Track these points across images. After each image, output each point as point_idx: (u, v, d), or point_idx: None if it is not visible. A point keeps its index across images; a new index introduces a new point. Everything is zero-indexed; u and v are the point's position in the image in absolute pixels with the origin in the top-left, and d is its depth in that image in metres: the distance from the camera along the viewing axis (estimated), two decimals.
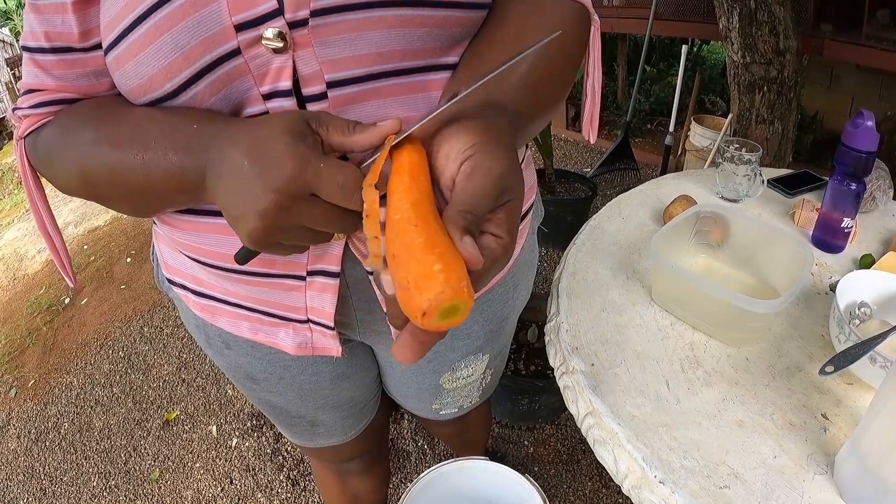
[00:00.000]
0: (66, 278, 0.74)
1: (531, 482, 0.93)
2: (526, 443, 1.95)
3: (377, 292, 0.70)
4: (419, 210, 0.39)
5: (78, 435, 2.39)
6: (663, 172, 3.04)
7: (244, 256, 0.54)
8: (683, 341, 0.85)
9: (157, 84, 0.53)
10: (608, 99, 4.88)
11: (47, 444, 2.40)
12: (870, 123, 0.95)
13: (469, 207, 0.40)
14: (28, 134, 0.63)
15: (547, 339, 0.92)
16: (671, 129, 3.02)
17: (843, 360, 0.70)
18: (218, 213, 0.61)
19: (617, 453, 0.70)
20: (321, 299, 0.68)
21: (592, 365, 0.81)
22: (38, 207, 0.68)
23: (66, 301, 3.58)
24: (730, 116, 2.51)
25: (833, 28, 2.72)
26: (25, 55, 0.60)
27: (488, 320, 0.86)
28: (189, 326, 0.84)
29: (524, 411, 1.93)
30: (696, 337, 0.86)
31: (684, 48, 2.84)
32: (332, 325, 0.70)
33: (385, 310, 0.42)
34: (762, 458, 0.68)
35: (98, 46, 0.57)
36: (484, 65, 0.54)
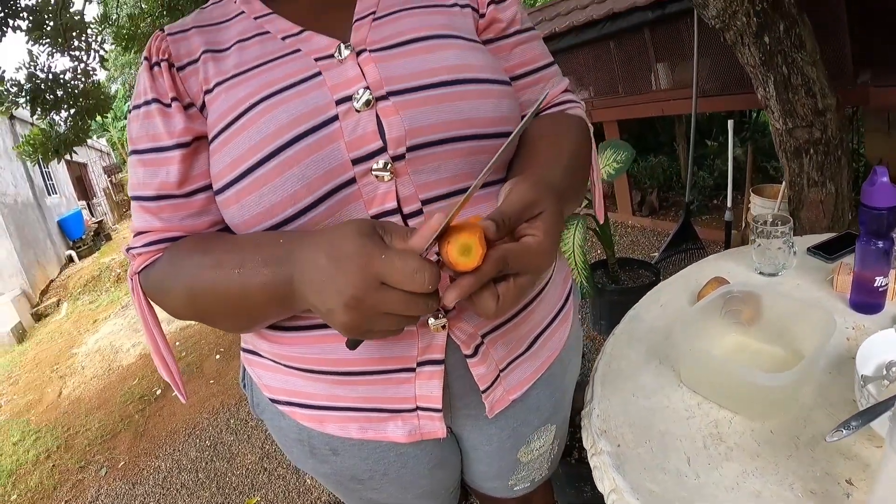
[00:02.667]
0: (179, 395, 0.86)
1: None
2: None
3: (473, 372, 0.80)
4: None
5: None
6: (727, 248, 3.02)
7: (354, 343, 0.64)
8: (709, 419, 0.87)
9: (278, 211, 0.67)
10: (672, 179, 4.90)
11: None
12: (885, 179, 0.95)
13: (498, 209, 0.56)
14: (141, 270, 0.77)
15: (582, 424, 0.96)
16: (729, 204, 3.03)
17: (853, 424, 0.70)
18: (323, 325, 0.74)
19: None
20: (429, 386, 0.77)
21: (618, 446, 0.84)
22: (154, 334, 0.81)
23: (158, 392, 3.82)
24: (783, 184, 2.51)
25: (877, 74, 2.67)
26: (134, 203, 0.76)
27: (552, 392, 0.94)
28: (288, 443, 0.90)
29: (588, 498, 1.91)
30: (722, 414, 0.87)
31: (730, 123, 2.87)
32: (440, 407, 0.78)
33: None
34: None
35: (197, 192, 0.74)
36: (537, 158, 0.75)
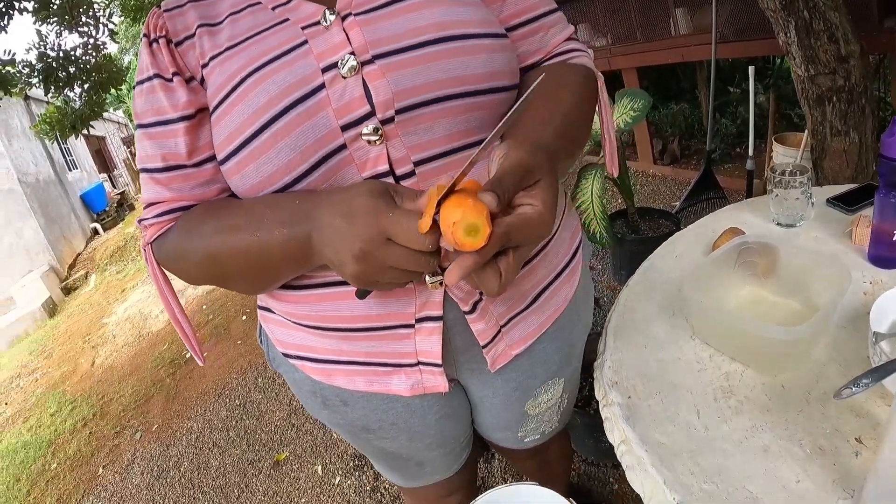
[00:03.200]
0: (196, 358, 0.90)
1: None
2: (611, 479, 1.96)
3: (472, 328, 0.82)
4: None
5: (196, 473, 2.63)
6: (748, 197, 2.97)
7: (363, 293, 0.69)
8: (720, 372, 0.87)
9: (277, 179, 0.69)
10: (694, 127, 4.80)
11: (168, 480, 2.65)
12: None
13: (495, 178, 0.56)
14: (154, 240, 0.79)
15: (595, 375, 0.97)
16: (750, 153, 2.96)
17: (863, 382, 0.69)
18: (334, 284, 0.77)
19: (643, 478, 0.75)
20: (429, 342, 0.80)
21: (629, 397, 0.86)
22: (170, 302, 0.84)
23: (188, 356, 3.92)
24: (805, 133, 2.45)
25: None
26: (143, 175, 0.78)
27: (560, 347, 0.95)
28: (303, 395, 0.95)
29: (607, 449, 1.90)
30: (734, 367, 0.88)
31: (751, 69, 2.78)
32: (439, 363, 0.81)
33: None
34: (783, 482, 0.69)
35: (205, 161, 0.76)
36: (531, 122, 0.72)
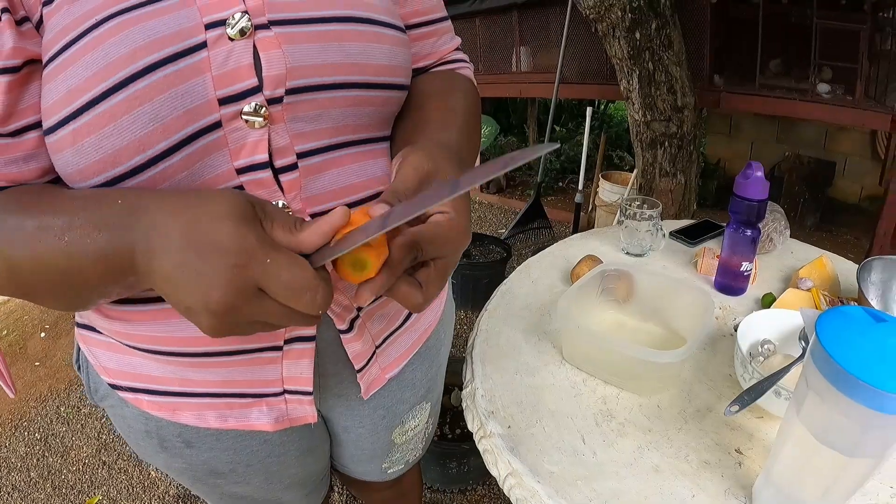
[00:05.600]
0: (6, 389, 0.70)
1: None
2: None
3: (347, 350, 0.72)
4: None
5: None
6: (575, 229, 3.18)
7: None
8: (596, 396, 0.88)
9: (124, 158, 0.52)
10: None
11: None
12: (759, 174, 1.02)
13: (391, 189, 0.49)
14: None
15: (464, 405, 0.93)
16: (580, 187, 3.16)
17: (746, 399, 0.74)
18: None
19: None
20: (298, 366, 0.69)
21: (509, 427, 0.83)
22: None
23: None
24: (635, 172, 2.67)
25: (729, 80, 2.93)
26: None
27: (428, 368, 0.90)
28: (133, 436, 0.78)
29: (454, 475, 1.93)
30: (609, 391, 0.89)
31: (589, 110, 3.01)
32: (310, 390, 0.71)
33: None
34: (681, 499, 0.70)
35: (26, 129, 0.54)
36: (428, 124, 0.67)
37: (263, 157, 0.58)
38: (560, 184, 4.88)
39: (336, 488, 2.01)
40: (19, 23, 0.53)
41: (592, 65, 3.38)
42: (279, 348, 0.67)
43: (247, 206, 0.46)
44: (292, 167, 0.60)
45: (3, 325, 3.94)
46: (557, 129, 5.23)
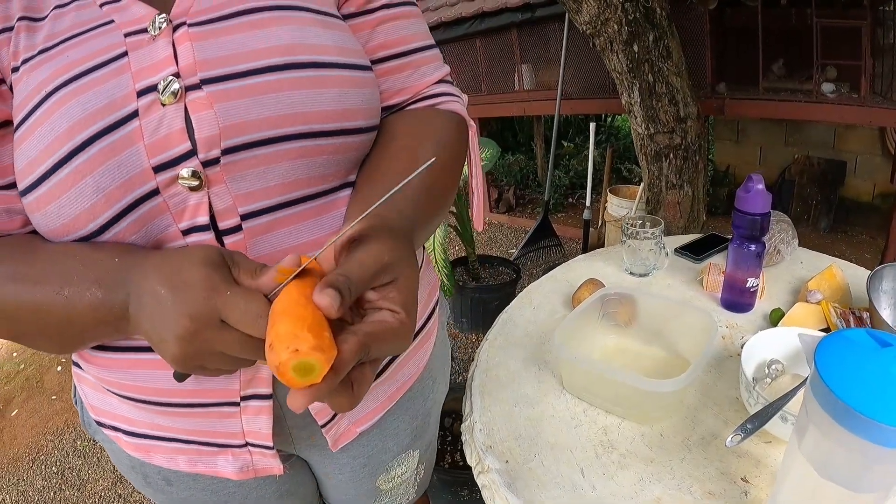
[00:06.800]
0: None
1: None
2: None
3: (309, 407, 0.68)
4: (290, 294, 0.44)
5: None
6: (584, 246, 3.15)
7: (181, 376, 0.54)
8: (597, 426, 0.85)
9: (81, 224, 0.54)
10: (529, 178, 5.06)
11: None
12: (760, 187, 0.99)
13: (343, 271, 0.44)
14: None
15: (464, 438, 0.91)
16: (588, 203, 3.14)
17: (749, 427, 0.71)
18: (148, 349, 0.62)
19: None
20: (257, 422, 0.68)
21: (507, 462, 0.80)
22: None
23: None
24: (641, 186, 2.63)
25: (732, 86, 2.91)
26: None
27: (413, 417, 0.87)
28: (122, 468, 0.81)
29: (465, 502, 1.89)
30: (610, 420, 0.86)
31: (592, 125, 2.99)
32: (271, 445, 0.70)
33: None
34: None
35: (7, 186, 0.58)
36: (385, 179, 0.60)
37: (205, 219, 0.58)
38: (570, 200, 4.85)
39: None
40: None
41: (594, 79, 3.37)
42: (236, 404, 0.67)
43: (216, 255, 0.49)
44: (236, 229, 0.59)
45: (21, 359, 3.99)
46: (565, 144, 5.20)
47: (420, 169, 0.45)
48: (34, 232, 0.61)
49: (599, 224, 3.38)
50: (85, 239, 0.56)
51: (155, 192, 0.55)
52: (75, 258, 0.55)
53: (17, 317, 0.56)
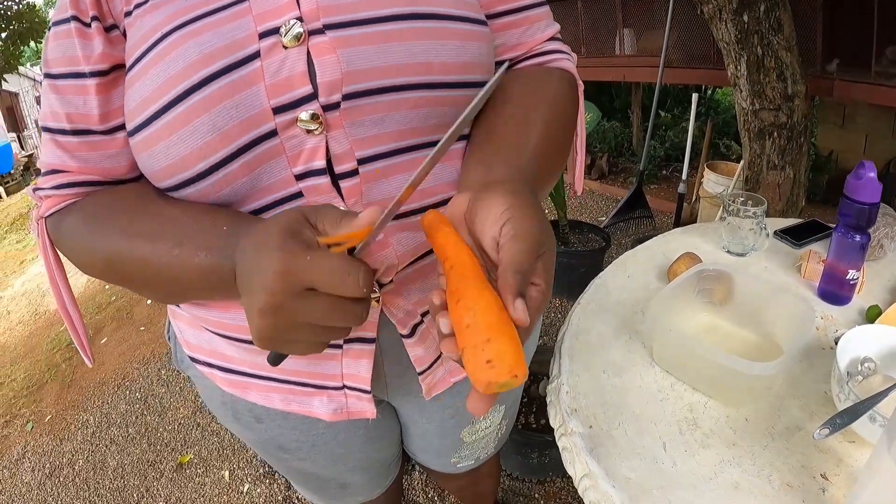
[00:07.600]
0: (84, 357, 0.75)
1: None
2: (537, 496, 1.93)
3: (409, 353, 0.72)
4: (480, 282, 0.45)
5: (92, 473, 2.41)
6: (677, 220, 3.05)
7: (274, 358, 0.55)
8: (683, 402, 0.84)
9: (190, 164, 0.56)
10: (624, 146, 4.92)
11: (61, 479, 2.42)
12: (872, 175, 0.94)
13: (519, 268, 0.43)
14: (50, 214, 0.64)
15: (549, 399, 0.92)
16: (684, 177, 3.04)
17: (839, 422, 0.69)
18: None
19: None
20: (357, 366, 0.70)
21: (590, 427, 0.81)
22: (59, 287, 0.69)
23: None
24: (741, 164, 2.52)
25: (842, 67, 2.71)
26: (45, 135, 0.63)
27: None
28: (212, 405, 0.84)
29: (535, 465, 1.91)
30: (696, 398, 0.85)
31: (695, 96, 2.86)
32: (368, 389, 0.71)
33: (441, 349, 0.45)
34: None
35: (118, 129, 0.61)
36: (502, 140, 0.62)
37: (321, 163, 0.58)
38: (664, 172, 4.66)
39: (417, 467, 2.04)
40: (108, 30, 0.60)
41: (698, 48, 3.22)
42: (339, 346, 0.68)
43: (297, 220, 0.48)
44: (352, 173, 0.60)
45: (112, 291, 4.25)
46: (662, 114, 5.01)
47: (495, 76, 0.42)
48: (143, 183, 0.64)
49: (693, 199, 3.27)
50: (190, 181, 0.57)
51: (272, 134, 0.56)
52: (189, 220, 0.57)
53: (128, 269, 0.59)
